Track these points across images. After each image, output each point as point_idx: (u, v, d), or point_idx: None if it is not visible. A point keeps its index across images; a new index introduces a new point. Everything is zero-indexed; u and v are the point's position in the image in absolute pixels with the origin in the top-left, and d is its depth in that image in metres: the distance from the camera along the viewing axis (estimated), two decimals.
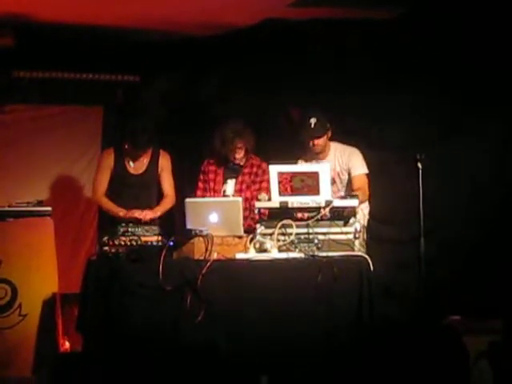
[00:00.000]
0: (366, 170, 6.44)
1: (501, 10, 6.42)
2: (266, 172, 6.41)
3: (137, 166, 6.62)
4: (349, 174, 6.45)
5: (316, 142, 6.38)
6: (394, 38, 6.92)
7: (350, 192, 6.32)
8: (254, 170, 6.58)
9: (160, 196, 6.67)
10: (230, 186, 6.55)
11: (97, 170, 6.72)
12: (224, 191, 6.53)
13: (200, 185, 6.62)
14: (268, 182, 6.11)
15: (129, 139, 6.48)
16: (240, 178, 6.57)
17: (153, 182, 6.65)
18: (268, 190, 6.03)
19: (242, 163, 6.55)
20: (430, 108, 6.85)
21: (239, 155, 6.49)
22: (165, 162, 6.67)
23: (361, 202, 6.01)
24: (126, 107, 7.86)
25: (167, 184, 6.66)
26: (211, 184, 6.57)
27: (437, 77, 6.79)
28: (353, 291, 5.37)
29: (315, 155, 6.50)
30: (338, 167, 6.46)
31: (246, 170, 6.58)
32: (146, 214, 6.29)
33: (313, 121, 6.33)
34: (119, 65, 7.82)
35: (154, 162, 6.64)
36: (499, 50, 6.54)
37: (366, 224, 6.27)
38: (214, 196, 6.51)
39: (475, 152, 6.70)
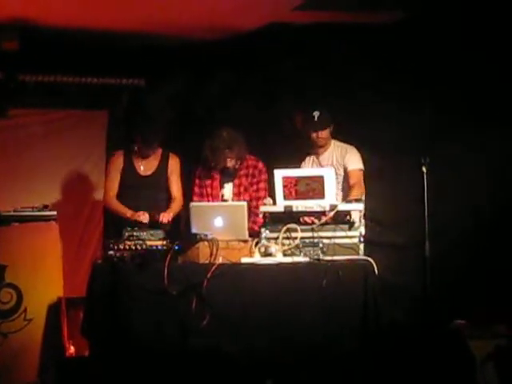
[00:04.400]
0: (361, 166, 6.48)
1: (506, 16, 6.40)
2: (262, 172, 6.45)
3: (146, 168, 6.65)
4: (345, 170, 6.48)
5: (320, 134, 6.44)
6: (397, 42, 6.91)
7: (345, 187, 6.39)
8: (251, 170, 6.51)
9: (168, 199, 6.66)
10: (228, 189, 6.52)
11: (107, 172, 6.76)
12: (222, 195, 6.50)
13: (196, 190, 6.57)
14: (265, 181, 6.24)
15: (140, 134, 6.49)
16: (237, 181, 6.51)
17: (162, 183, 6.65)
18: (265, 190, 6.10)
19: (236, 167, 6.47)
20: (431, 112, 6.85)
21: (230, 164, 6.41)
22: (174, 165, 6.69)
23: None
24: (131, 111, 7.85)
25: (175, 187, 6.65)
26: (208, 189, 6.51)
27: (440, 82, 6.78)
28: (358, 295, 5.38)
29: (317, 149, 6.54)
30: (334, 162, 6.50)
31: (242, 172, 6.51)
32: (163, 217, 6.27)
33: (316, 114, 6.41)
34: (124, 69, 7.80)
35: (163, 164, 6.66)
36: (505, 57, 6.53)
37: (361, 219, 6.24)
38: (211, 201, 6.45)
39: (477, 156, 6.69)
